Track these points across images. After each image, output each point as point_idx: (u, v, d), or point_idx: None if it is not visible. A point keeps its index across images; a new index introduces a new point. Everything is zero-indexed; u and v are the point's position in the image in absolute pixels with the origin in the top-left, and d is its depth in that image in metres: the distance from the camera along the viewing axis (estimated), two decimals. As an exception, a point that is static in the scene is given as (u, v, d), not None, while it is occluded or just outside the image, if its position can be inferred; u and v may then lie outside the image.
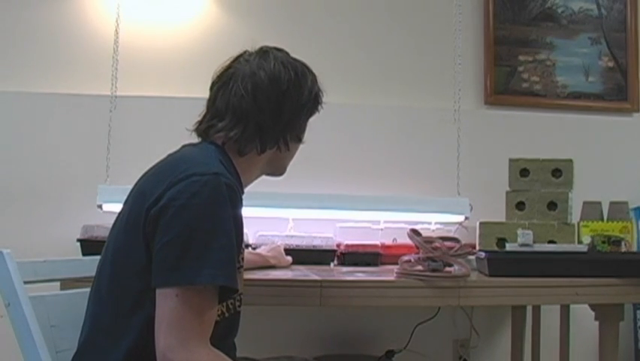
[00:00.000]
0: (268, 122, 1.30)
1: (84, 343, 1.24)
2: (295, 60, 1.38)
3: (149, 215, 1.14)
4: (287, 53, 1.39)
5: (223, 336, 1.30)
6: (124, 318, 1.17)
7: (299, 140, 1.40)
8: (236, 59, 1.36)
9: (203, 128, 1.34)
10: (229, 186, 1.15)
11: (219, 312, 1.24)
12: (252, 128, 1.29)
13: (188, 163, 1.19)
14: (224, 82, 1.33)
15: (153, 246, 1.13)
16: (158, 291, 1.10)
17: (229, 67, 1.35)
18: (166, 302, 1.09)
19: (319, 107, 1.40)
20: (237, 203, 1.18)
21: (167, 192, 1.13)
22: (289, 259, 2.09)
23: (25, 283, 1.29)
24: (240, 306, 1.35)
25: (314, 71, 1.41)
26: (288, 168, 1.47)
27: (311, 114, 1.39)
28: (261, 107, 1.29)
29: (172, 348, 1.07)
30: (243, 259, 1.34)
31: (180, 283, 1.09)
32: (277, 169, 1.43)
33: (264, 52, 1.36)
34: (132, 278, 1.16)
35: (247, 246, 2.23)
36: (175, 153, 1.31)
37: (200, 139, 1.36)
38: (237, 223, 1.18)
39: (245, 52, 1.38)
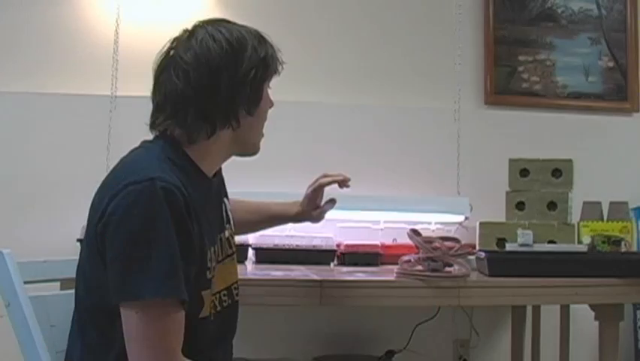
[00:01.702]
0: (208, 103, 1.22)
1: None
2: (230, 29, 1.28)
3: (97, 231, 1.13)
4: (222, 23, 1.31)
5: (218, 337, 1.28)
6: (105, 330, 1.16)
7: (253, 111, 1.27)
8: (173, 41, 1.30)
9: (150, 123, 1.30)
10: (166, 189, 1.10)
11: (210, 308, 1.23)
12: (193, 113, 1.22)
13: (127, 171, 1.17)
14: (160, 72, 1.29)
15: (106, 262, 1.12)
16: (120, 308, 1.09)
17: (166, 53, 1.30)
18: (128, 320, 1.08)
19: (274, 68, 1.30)
20: (178, 205, 1.11)
21: (108, 207, 1.11)
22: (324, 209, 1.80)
23: (25, 283, 1.29)
24: (237, 295, 1.34)
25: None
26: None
27: (264, 79, 1.28)
28: (195, 89, 1.21)
29: None
30: (231, 247, 1.32)
31: (127, 300, 1.08)
32: (245, 147, 1.33)
33: (191, 31, 1.29)
34: (101, 292, 1.14)
35: (247, 246, 2.23)
36: (126, 155, 1.27)
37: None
38: (183, 226, 1.11)
39: (183, 32, 1.31)
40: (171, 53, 1.27)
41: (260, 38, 1.29)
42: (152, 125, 1.30)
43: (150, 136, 1.32)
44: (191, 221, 1.14)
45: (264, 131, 1.36)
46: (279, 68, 1.31)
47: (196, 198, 1.18)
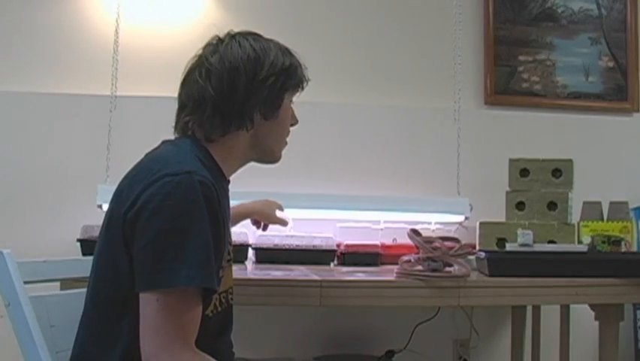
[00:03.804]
0: (224, 101, 1.26)
1: (76, 354, 1.24)
2: (258, 39, 1.32)
3: (126, 219, 1.14)
4: (252, 35, 1.34)
5: (218, 332, 1.30)
6: (112, 325, 1.17)
7: (269, 116, 1.31)
8: (204, 46, 1.34)
9: (175, 123, 1.34)
10: (203, 183, 1.13)
11: (212, 307, 1.25)
12: (210, 110, 1.26)
13: (162, 163, 1.18)
14: (187, 74, 1.34)
15: (133, 250, 1.13)
16: (140, 296, 1.10)
17: (195, 57, 1.34)
18: (148, 307, 1.09)
19: (298, 81, 1.35)
20: (213, 199, 1.15)
21: (142, 195, 1.13)
22: (285, 216, 1.97)
23: (25, 283, 1.28)
24: (232, 299, 1.36)
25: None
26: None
27: (285, 88, 1.32)
28: (215, 87, 1.26)
29: (155, 355, 1.07)
30: (230, 253, 1.33)
31: (158, 287, 1.08)
32: (263, 153, 1.37)
33: (221, 38, 1.33)
34: (116, 284, 1.15)
35: (247, 246, 2.23)
36: (152, 151, 1.29)
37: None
38: (216, 220, 1.15)
39: (213, 37, 1.34)
40: (199, 56, 1.32)
41: (286, 51, 1.34)
42: (175, 126, 1.34)
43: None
44: (222, 216, 1.19)
45: (287, 141, 1.40)
46: (304, 83, 1.37)
47: (221, 200, 1.22)
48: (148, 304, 1.09)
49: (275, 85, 1.30)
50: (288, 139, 1.40)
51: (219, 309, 1.29)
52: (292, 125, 1.40)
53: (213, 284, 1.13)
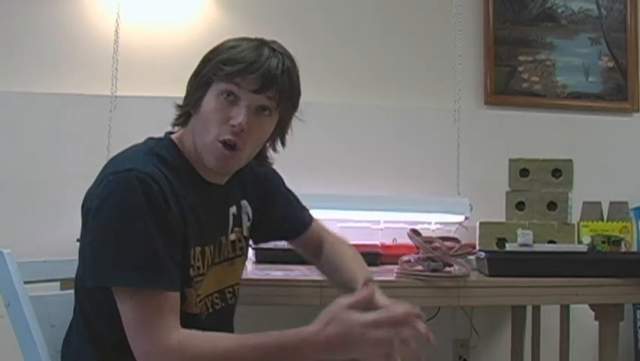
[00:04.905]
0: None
1: (62, 351, 1.28)
2: (244, 38, 1.26)
3: (82, 219, 1.20)
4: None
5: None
6: (88, 318, 1.22)
7: (195, 110, 1.25)
8: None
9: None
10: (142, 180, 1.12)
11: (202, 308, 1.24)
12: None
13: (114, 162, 1.21)
14: None
15: None
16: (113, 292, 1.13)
17: None
18: (120, 306, 1.11)
19: (215, 69, 1.22)
20: (154, 195, 1.12)
21: (92, 195, 1.18)
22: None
23: (25, 283, 1.29)
24: (231, 299, 1.34)
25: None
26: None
27: (205, 80, 1.23)
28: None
29: (146, 351, 1.09)
30: (211, 253, 1.27)
31: (98, 284, 1.13)
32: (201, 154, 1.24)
33: None
34: (84, 278, 1.18)
35: (248, 246, 2.22)
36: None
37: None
38: (161, 217, 1.13)
39: None
40: None
41: (256, 46, 1.22)
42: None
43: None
44: (169, 210, 1.15)
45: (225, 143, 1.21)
46: (229, 74, 1.20)
47: (184, 195, 1.20)
48: (120, 303, 1.11)
49: (196, 76, 1.26)
50: (224, 139, 1.20)
51: (210, 310, 1.28)
52: (232, 125, 1.19)
53: (151, 283, 1.10)
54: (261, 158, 1.37)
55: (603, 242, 2.07)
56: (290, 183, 1.57)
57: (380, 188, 2.57)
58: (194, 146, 1.24)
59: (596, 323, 1.90)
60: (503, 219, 2.27)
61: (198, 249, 1.24)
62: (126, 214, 1.11)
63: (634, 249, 2.23)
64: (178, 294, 1.14)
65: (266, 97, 1.22)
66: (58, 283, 1.55)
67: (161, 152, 1.23)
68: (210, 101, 1.22)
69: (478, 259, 1.97)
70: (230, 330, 1.36)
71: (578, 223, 2.24)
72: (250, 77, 1.19)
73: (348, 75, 2.67)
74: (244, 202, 1.40)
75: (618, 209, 2.27)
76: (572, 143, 2.69)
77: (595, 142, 2.75)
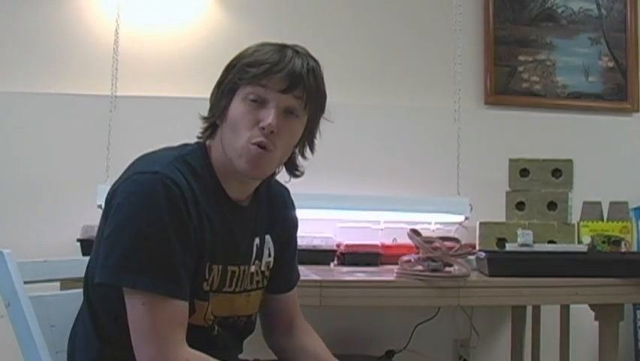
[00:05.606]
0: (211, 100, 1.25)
1: (69, 343, 1.27)
2: (268, 42, 1.24)
3: (103, 213, 1.18)
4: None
5: (222, 347, 1.25)
6: (97, 318, 1.20)
7: (222, 120, 1.22)
8: None
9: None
10: (166, 185, 1.11)
11: (206, 322, 1.21)
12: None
13: (142, 162, 1.19)
14: None
15: None
16: (125, 300, 1.11)
17: None
18: (133, 310, 1.10)
19: (239, 75, 1.20)
20: (176, 201, 1.11)
21: (115, 191, 1.16)
22: None
23: (25, 283, 1.29)
24: (235, 329, 1.29)
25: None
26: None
27: (231, 88, 1.21)
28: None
29: (146, 355, 1.08)
30: (230, 278, 1.23)
31: (102, 281, 1.11)
32: (232, 163, 1.21)
33: None
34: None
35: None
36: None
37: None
38: (181, 224, 1.11)
39: None
40: None
41: (278, 48, 1.21)
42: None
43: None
44: (190, 218, 1.13)
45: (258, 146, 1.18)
46: (255, 77, 1.18)
47: (205, 208, 1.17)
48: (129, 305, 1.10)
49: (219, 85, 1.23)
50: (256, 142, 1.17)
51: (219, 329, 1.24)
52: (262, 128, 1.17)
53: (162, 290, 1.08)
54: (291, 165, 1.34)
55: (603, 242, 2.08)
56: (289, 184, 1.57)
57: (380, 188, 2.57)
58: (223, 157, 1.21)
59: (596, 323, 1.90)
60: (503, 219, 2.27)
61: (216, 266, 1.21)
62: (145, 216, 1.10)
63: (634, 249, 2.23)
64: (187, 304, 1.12)
65: (293, 97, 1.20)
66: (58, 283, 1.55)
67: (191, 161, 1.20)
68: (238, 107, 1.19)
69: (478, 259, 1.97)
70: (238, 350, 1.35)
71: (578, 223, 2.24)
72: (276, 77, 1.18)
73: (347, 75, 2.67)
74: (268, 237, 1.36)
75: (618, 209, 2.27)
76: (572, 143, 2.69)
77: (595, 142, 2.75)
